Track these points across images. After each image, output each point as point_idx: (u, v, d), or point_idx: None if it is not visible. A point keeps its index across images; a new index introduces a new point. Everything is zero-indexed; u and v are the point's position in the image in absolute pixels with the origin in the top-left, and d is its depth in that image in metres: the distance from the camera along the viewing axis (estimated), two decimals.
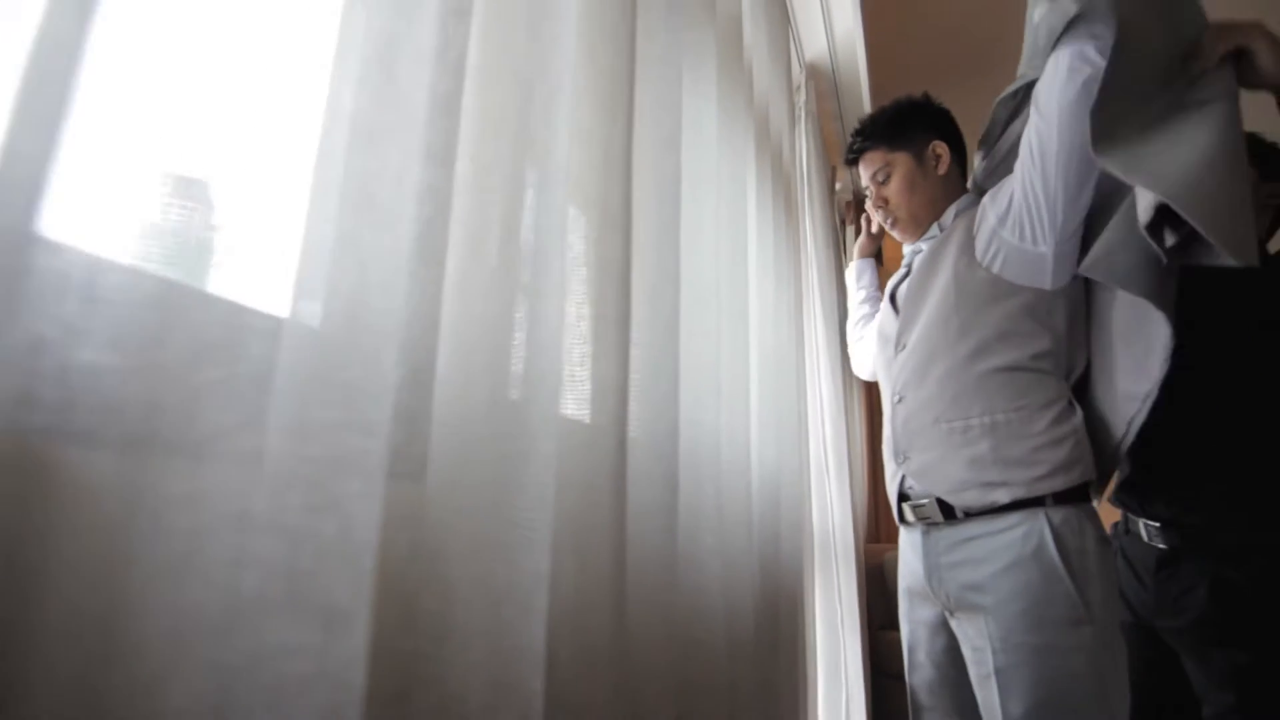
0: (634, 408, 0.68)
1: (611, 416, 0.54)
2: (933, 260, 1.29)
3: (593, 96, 0.58)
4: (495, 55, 0.50)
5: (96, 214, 0.32)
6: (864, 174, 1.42)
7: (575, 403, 0.53)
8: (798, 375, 1.64)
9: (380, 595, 0.40)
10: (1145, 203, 0.96)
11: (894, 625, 1.65)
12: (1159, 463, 1.26)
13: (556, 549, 0.44)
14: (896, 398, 1.29)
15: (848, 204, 3.33)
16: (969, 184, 1.40)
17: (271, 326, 0.30)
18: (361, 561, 0.29)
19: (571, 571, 0.47)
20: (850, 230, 3.32)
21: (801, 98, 2.43)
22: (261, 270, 0.40)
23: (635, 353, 0.64)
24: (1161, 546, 1.27)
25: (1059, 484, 1.11)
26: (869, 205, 1.44)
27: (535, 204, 0.52)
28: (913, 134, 1.36)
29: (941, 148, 1.36)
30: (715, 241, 0.90)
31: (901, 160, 1.36)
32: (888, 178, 1.37)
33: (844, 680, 1.98)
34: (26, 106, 0.24)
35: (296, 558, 0.27)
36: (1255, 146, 1.32)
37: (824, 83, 2.61)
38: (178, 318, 0.30)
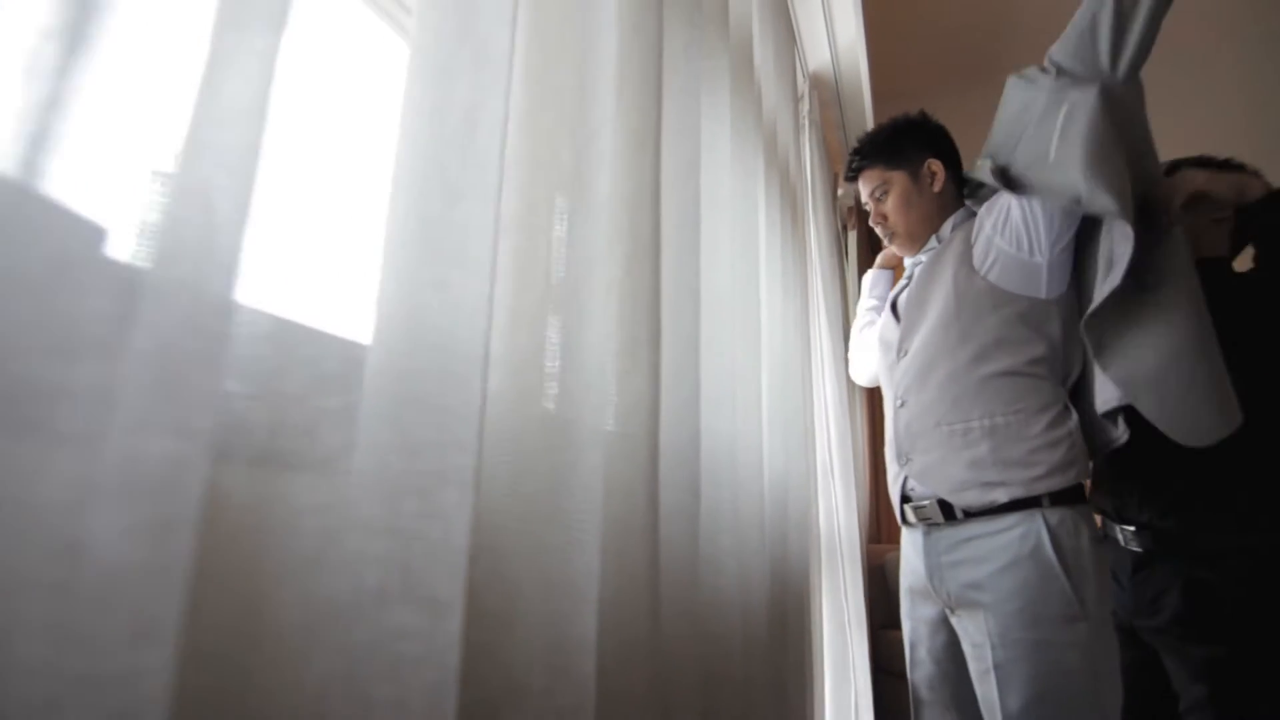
0: (663, 419, 0.73)
1: (644, 428, 0.60)
2: (932, 270, 1.34)
3: (626, 134, 0.63)
4: (541, 102, 0.56)
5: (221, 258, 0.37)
6: (863, 191, 1.48)
7: (614, 417, 0.59)
8: (804, 382, 1.70)
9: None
10: (1106, 395, 1.16)
11: (895, 624, 1.70)
12: (1133, 470, 1.33)
13: (603, 550, 0.50)
14: (899, 402, 1.35)
15: (849, 209, 3.39)
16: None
17: (375, 358, 0.35)
18: (459, 560, 0.34)
19: (614, 570, 0.52)
20: (852, 236, 3.37)
21: (805, 107, 2.49)
22: (357, 309, 0.45)
23: (663, 369, 0.70)
24: (1137, 550, 1.33)
25: (1055, 484, 1.16)
26: (870, 220, 1.50)
27: (575, 236, 0.57)
28: (909, 152, 1.42)
29: (936, 165, 1.41)
30: (730, 259, 0.95)
31: (898, 178, 1.41)
32: (885, 195, 1.43)
33: (852, 677, 2.04)
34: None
35: (409, 556, 0.32)
36: (1207, 163, 1.42)
37: (827, 92, 2.66)
38: (293, 352, 0.35)
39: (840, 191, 3.32)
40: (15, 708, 0.20)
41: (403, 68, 0.45)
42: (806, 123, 2.45)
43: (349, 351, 0.37)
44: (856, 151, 1.48)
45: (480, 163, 0.40)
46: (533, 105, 0.52)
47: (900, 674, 1.51)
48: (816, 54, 2.47)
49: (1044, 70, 1.23)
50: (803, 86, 2.51)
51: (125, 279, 0.27)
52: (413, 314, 0.36)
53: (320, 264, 0.56)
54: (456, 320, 0.36)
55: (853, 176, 1.50)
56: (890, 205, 1.43)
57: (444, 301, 0.36)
